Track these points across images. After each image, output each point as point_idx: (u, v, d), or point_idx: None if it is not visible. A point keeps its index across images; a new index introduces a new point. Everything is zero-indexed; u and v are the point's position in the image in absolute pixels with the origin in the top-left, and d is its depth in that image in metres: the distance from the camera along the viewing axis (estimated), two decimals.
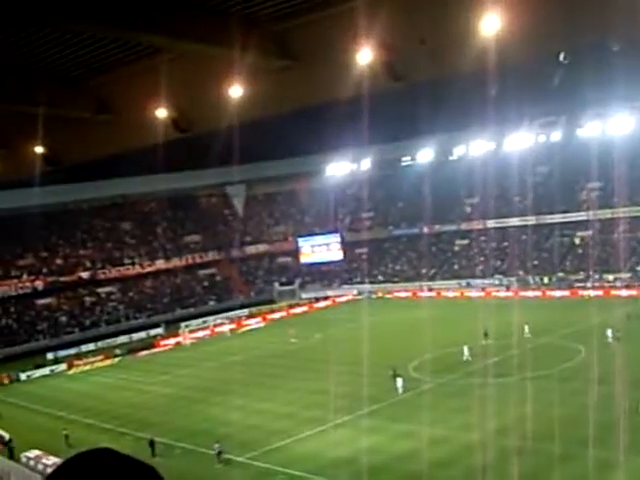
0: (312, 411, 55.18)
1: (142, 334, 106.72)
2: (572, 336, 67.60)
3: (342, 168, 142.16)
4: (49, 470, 47.69)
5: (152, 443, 49.27)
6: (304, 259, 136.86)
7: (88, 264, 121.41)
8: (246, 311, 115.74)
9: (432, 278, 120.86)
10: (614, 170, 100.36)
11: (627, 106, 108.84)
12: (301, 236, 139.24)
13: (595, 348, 58.06)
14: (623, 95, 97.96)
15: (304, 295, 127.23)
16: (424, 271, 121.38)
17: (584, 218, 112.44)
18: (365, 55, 21.46)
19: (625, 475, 36.35)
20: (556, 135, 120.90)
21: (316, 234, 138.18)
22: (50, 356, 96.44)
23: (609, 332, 64.73)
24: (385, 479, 40.43)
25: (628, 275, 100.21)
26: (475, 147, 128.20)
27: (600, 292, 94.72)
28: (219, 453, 46.28)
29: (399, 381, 57.12)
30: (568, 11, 18.62)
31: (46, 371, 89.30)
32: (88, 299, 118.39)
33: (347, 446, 46.29)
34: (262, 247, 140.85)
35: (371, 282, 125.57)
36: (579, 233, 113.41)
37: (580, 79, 67.09)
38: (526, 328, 70.73)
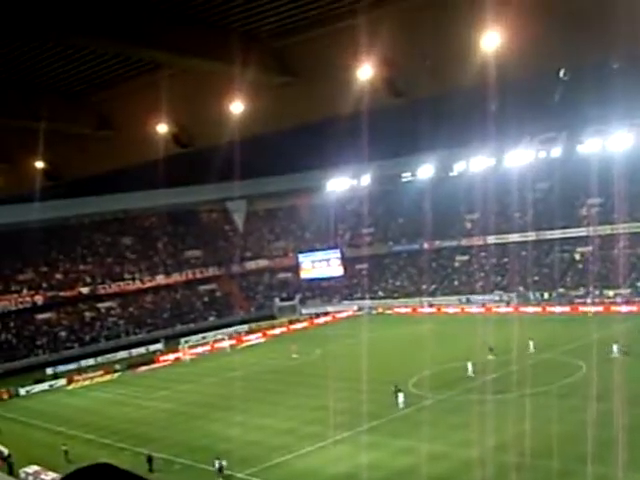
0: (312, 427, 55.09)
1: (142, 349, 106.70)
2: (574, 352, 67.45)
3: (342, 184, 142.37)
4: None
5: (150, 459, 49.18)
6: (304, 275, 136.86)
7: (88, 279, 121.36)
8: (246, 327, 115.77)
9: (432, 294, 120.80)
10: (614, 186, 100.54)
11: (627, 123, 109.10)
12: (301, 252, 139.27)
13: (598, 364, 58.00)
14: (623, 112, 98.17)
15: (304, 311, 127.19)
16: (424, 287, 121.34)
17: (584, 234, 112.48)
18: (365, 71, 21.52)
19: None
20: (556, 151, 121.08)
21: (316, 250, 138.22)
22: (49, 371, 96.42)
23: (615, 347, 64.61)
24: None
25: (628, 291, 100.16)
26: (475, 163, 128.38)
27: (600, 308, 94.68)
28: (220, 469, 46.15)
29: (400, 396, 57.10)
30: (568, 29, 18.70)
31: (45, 386, 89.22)
32: (88, 314, 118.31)
33: (347, 462, 46.21)
34: (262, 263, 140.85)
35: (371, 298, 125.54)
36: (579, 249, 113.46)
37: (580, 96, 67.35)
38: (531, 344, 70.75)
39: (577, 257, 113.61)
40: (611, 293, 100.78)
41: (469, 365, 64.55)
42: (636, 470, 37.53)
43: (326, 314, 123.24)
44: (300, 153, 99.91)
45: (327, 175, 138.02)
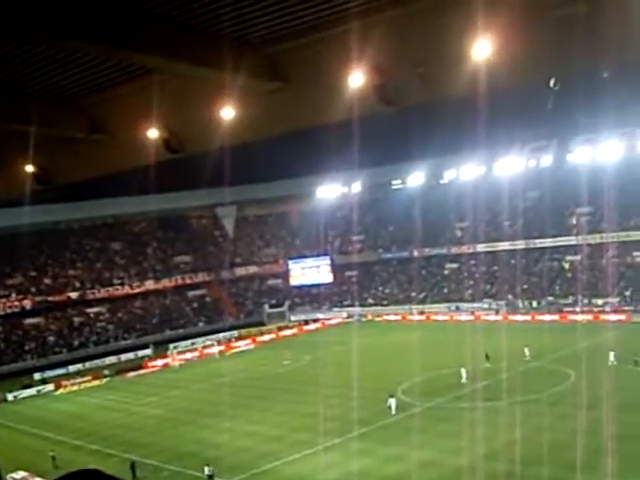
0: (301, 434, 54.97)
1: (131, 355, 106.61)
2: (566, 360, 67.44)
3: (333, 191, 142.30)
4: None
5: (133, 466, 49.03)
6: (294, 281, 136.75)
7: (77, 284, 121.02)
8: (235, 333, 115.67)
9: (422, 301, 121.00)
10: (603, 195, 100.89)
11: (617, 132, 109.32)
12: (291, 258, 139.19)
13: (594, 372, 58.21)
14: (613, 121, 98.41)
15: (294, 317, 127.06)
16: (414, 294, 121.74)
17: (573, 243, 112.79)
18: (357, 78, 21.54)
19: None
20: (546, 160, 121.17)
21: (306, 256, 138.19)
22: (37, 376, 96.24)
23: (611, 355, 64.75)
24: None
25: (616, 300, 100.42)
26: (465, 171, 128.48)
27: (589, 316, 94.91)
28: (211, 476, 45.99)
29: (393, 403, 57.04)
30: (558, 38, 18.77)
31: (33, 391, 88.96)
32: (77, 319, 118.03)
33: (336, 469, 46.09)
34: (252, 269, 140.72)
35: (361, 305, 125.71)
36: (568, 257, 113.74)
37: (571, 105, 67.49)
38: (526, 351, 70.88)
39: (566, 266, 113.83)
40: (600, 302, 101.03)
41: (463, 372, 64.49)
42: (623, 478, 37.54)
43: (315, 321, 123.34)
44: (291, 159, 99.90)
45: (318, 182, 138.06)
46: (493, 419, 49.91)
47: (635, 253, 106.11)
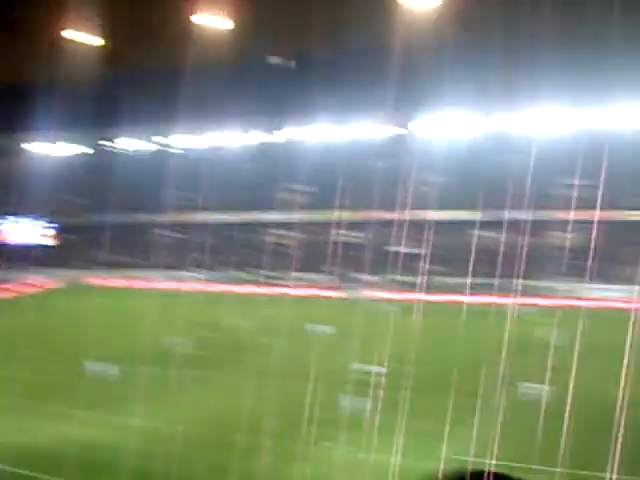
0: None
1: None
2: (278, 332, 68.94)
3: (49, 149, 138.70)
4: None
5: None
6: (7, 241, 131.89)
7: None
8: None
9: (141, 267, 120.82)
10: (323, 174, 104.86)
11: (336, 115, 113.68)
12: (5, 215, 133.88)
13: (298, 344, 60.46)
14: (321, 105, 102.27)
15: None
16: (131, 260, 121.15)
17: (289, 219, 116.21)
18: (74, 35, 21.31)
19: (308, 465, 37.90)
20: (265, 136, 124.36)
21: (22, 215, 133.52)
22: None
23: (317, 328, 67.57)
24: (68, 470, 39.52)
25: (328, 276, 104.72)
26: (183, 139, 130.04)
27: (301, 291, 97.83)
28: None
29: (98, 367, 56.48)
30: (297, 22, 19.52)
31: None
32: None
33: (30, 434, 45.00)
34: None
35: (77, 269, 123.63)
36: (283, 232, 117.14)
37: (287, 83, 69.53)
38: (235, 322, 72.53)
39: (282, 241, 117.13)
40: (312, 276, 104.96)
41: (173, 341, 64.36)
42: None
43: (28, 285, 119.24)
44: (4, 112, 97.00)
45: (32, 138, 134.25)
46: (205, 388, 50.81)
47: (349, 232, 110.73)
